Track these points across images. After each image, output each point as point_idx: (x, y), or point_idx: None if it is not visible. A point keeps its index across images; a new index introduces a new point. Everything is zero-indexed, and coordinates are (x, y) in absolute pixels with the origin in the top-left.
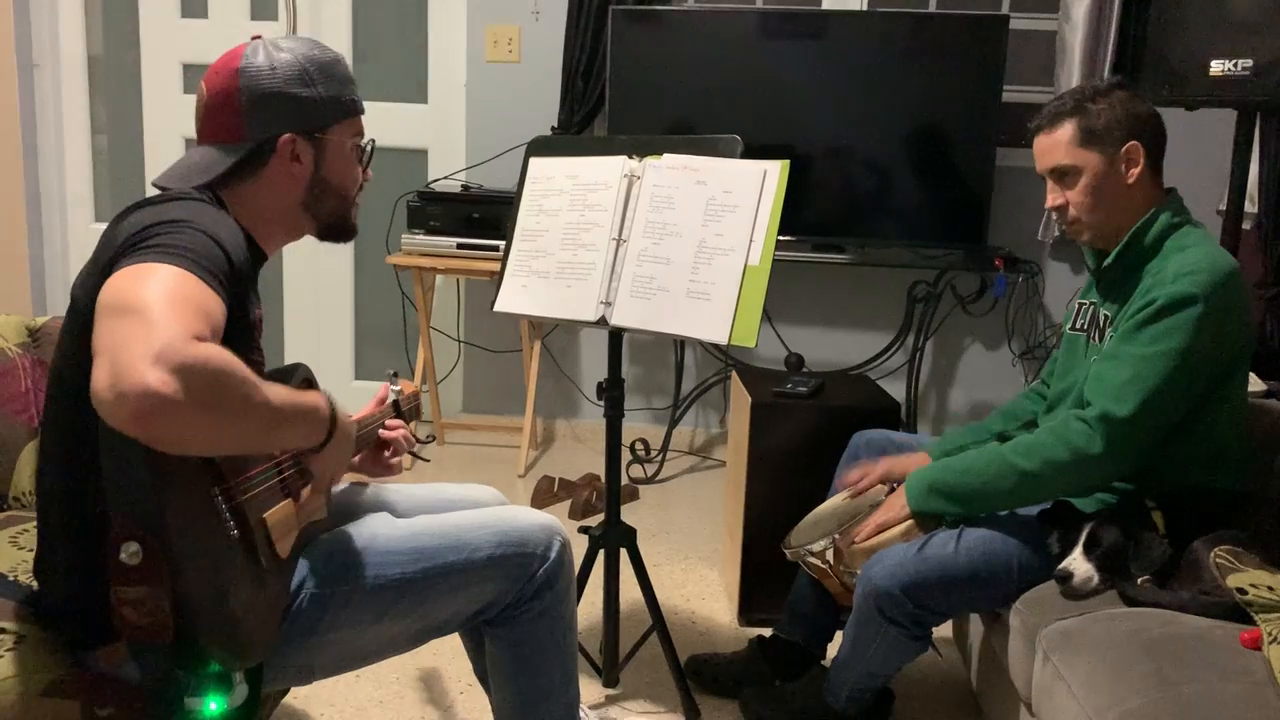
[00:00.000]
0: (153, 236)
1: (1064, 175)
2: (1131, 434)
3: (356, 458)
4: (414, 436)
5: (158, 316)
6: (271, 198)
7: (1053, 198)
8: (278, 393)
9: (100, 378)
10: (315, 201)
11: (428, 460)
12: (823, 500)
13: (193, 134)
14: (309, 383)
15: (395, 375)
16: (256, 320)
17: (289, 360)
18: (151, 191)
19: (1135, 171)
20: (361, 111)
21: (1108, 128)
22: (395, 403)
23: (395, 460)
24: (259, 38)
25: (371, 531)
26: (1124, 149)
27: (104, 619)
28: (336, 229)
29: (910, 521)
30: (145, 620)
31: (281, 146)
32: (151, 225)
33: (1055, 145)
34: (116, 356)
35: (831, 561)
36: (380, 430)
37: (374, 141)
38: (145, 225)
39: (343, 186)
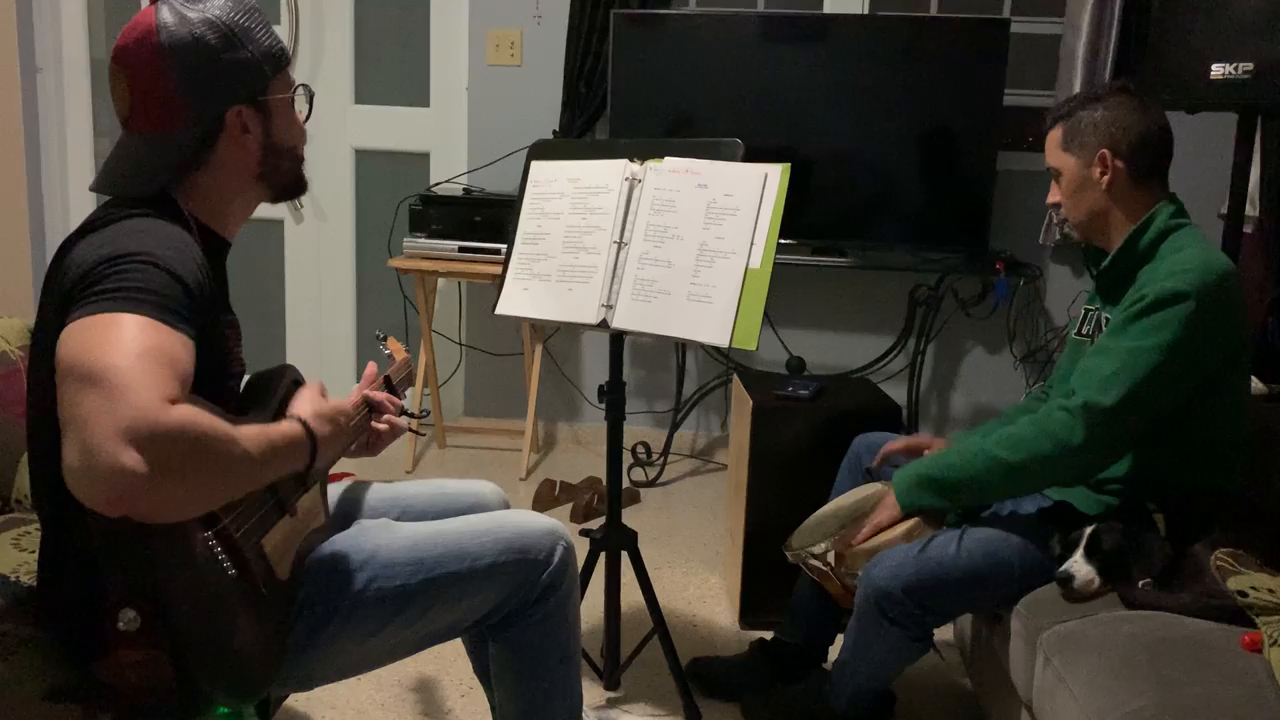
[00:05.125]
0: (105, 277)
1: (1057, 174)
2: (1113, 424)
3: (353, 446)
4: (403, 410)
5: (123, 382)
6: (226, 179)
7: (1050, 194)
8: (254, 437)
9: (71, 458)
10: (271, 169)
11: (424, 434)
12: (824, 503)
13: None
14: (297, 385)
15: (384, 338)
16: (230, 332)
17: (280, 365)
18: (87, 199)
19: (1107, 178)
20: (290, 59)
21: (1085, 133)
22: (386, 377)
23: (374, 441)
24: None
25: (372, 543)
26: (1096, 156)
27: (105, 624)
28: (291, 189)
29: (912, 522)
30: (148, 683)
31: (230, 122)
32: (102, 262)
33: (1049, 146)
34: (84, 436)
35: (833, 563)
36: (372, 422)
37: (310, 88)
38: (95, 262)
39: (293, 145)
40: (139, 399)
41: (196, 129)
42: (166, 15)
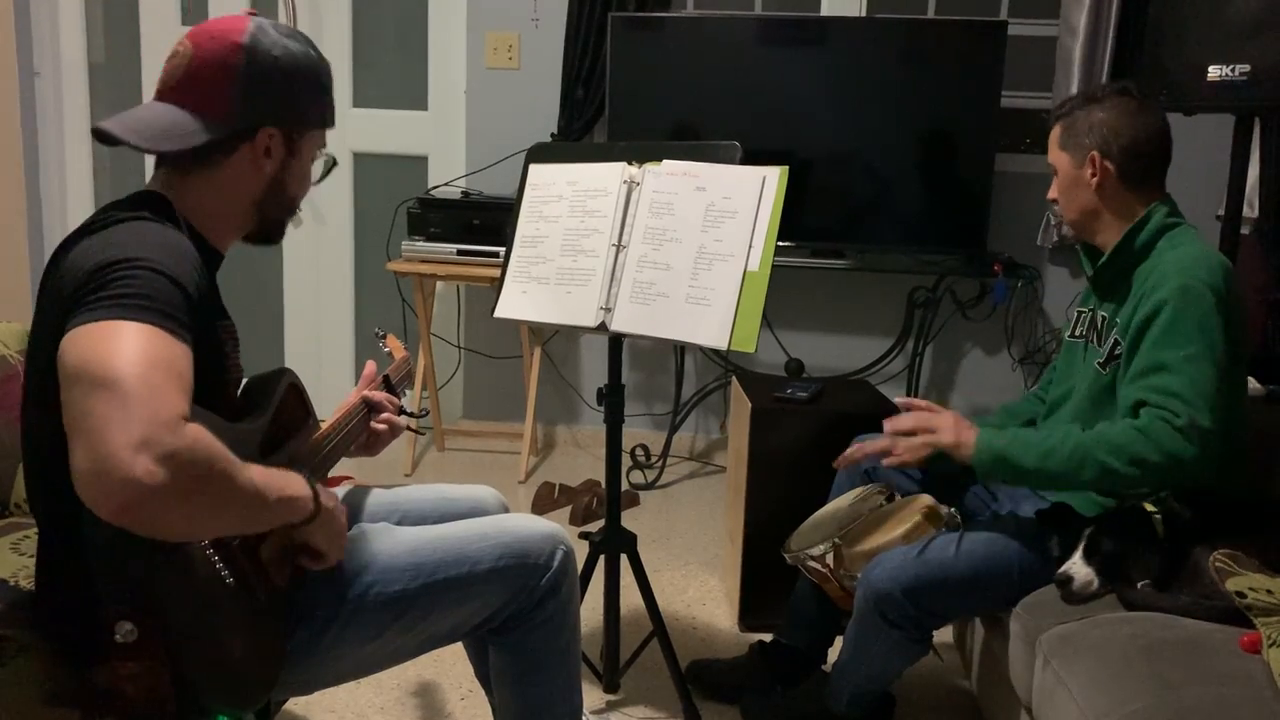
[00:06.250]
0: (107, 283)
1: (1054, 171)
2: (1216, 437)
3: (354, 446)
4: (402, 409)
5: (135, 393)
6: (227, 192)
7: (1050, 190)
8: (261, 476)
9: (81, 464)
10: (267, 203)
11: (423, 433)
12: (823, 505)
13: None
14: (294, 388)
15: (383, 335)
16: (228, 338)
17: (279, 368)
18: (94, 194)
19: (1096, 179)
20: (333, 125)
21: (1079, 133)
22: (385, 378)
23: (373, 441)
24: (255, 13)
25: (371, 548)
26: (1087, 156)
27: (102, 634)
28: (270, 234)
29: (912, 524)
30: (145, 695)
31: (260, 137)
32: (103, 267)
33: (1049, 143)
34: (98, 443)
35: (832, 565)
36: (371, 423)
37: (334, 158)
38: (95, 266)
39: (295, 196)
40: (153, 412)
41: (227, 126)
42: (260, 29)
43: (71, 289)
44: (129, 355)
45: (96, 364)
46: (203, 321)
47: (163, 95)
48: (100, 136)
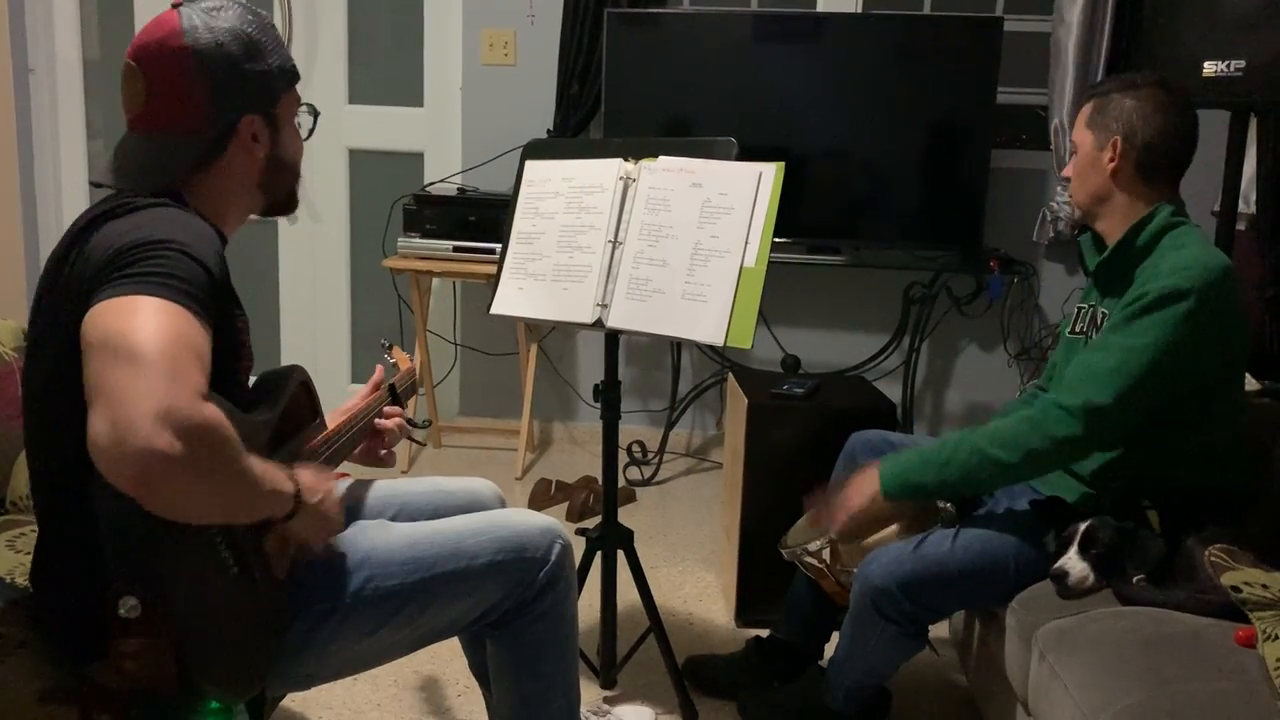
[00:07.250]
0: (136, 261)
1: (1074, 149)
2: (1111, 421)
3: (357, 449)
4: (409, 422)
5: (157, 366)
6: (230, 184)
7: (1066, 167)
8: (259, 466)
9: (101, 431)
10: (271, 180)
11: (424, 444)
12: None
13: None
14: (305, 385)
15: (389, 346)
16: (241, 324)
17: (285, 364)
18: (89, 191)
19: (1114, 165)
20: (299, 77)
21: (1109, 116)
22: (391, 385)
23: (387, 454)
24: (179, 3)
25: (369, 542)
26: (1110, 140)
27: (100, 631)
28: (283, 204)
29: (908, 519)
30: (147, 672)
31: (242, 130)
32: (133, 246)
33: (1077, 120)
34: (119, 411)
35: (828, 561)
36: (375, 420)
37: (316, 108)
38: (125, 246)
39: (294, 160)
40: (176, 386)
41: (210, 132)
42: (191, 20)
43: (97, 268)
44: (153, 329)
45: (120, 336)
46: (222, 308)
47: (135, 125)
48: (99, 186)
